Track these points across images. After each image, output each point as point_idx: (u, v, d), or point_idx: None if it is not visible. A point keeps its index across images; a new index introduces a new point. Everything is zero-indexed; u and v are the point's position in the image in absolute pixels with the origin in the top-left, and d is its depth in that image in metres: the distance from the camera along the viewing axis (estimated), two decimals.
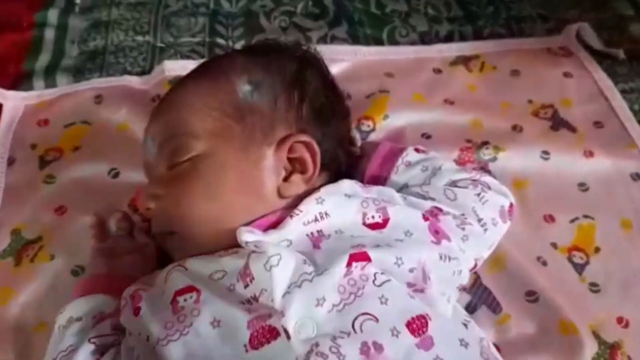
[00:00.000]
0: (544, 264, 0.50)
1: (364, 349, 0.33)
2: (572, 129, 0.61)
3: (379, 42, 0.69)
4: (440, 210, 0.42)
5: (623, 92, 0.64)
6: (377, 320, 0.34)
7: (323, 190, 0.41)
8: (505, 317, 0.46)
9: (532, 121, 0.61)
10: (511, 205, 0.48)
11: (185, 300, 0.36)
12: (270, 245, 0.36)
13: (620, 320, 0.48)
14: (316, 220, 0.39)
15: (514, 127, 0.60)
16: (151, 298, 0.38)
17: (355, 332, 0.34)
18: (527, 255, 0.50)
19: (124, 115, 0.58)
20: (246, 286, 0.35)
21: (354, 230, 0.39)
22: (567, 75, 0.66)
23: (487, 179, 0.48)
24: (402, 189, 0.45)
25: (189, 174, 0.40)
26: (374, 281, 0.36)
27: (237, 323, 0.34)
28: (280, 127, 0.42)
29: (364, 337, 0.33)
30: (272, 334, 0.34)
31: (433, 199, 0.43)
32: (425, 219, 0.40)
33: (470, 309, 0.46)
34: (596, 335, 0.46)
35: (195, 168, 0.40)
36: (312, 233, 0.39)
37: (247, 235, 0.37)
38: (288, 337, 0.33)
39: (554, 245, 0.52)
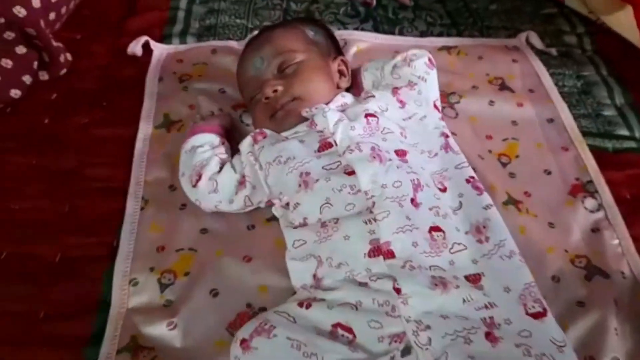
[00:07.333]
0: (482, 158, 0.80)
1: (371, 149, 0.64)
2: (512, 91, 0.92)
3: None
4: (398, 87, 0.74)
5: (552, 74, 0.94)
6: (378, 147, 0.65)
7: (345, 93, 0.75)
8: None
9: (486, 85, 0.92)
10: (429, 59, 0.76)
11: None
12: (325, 108, 0.69)
13: (526, 193, 0.75)
14: (342, 105, 0.72)
15: (474, 87, 0.91)
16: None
17: (367, 142, 0.65)
18: (472, 153, 0.78)
19: (231, 62, 0.92)
20: (314, 126, 0.69)
21: (359, 105, 0.71)
22: (514, 61, 0.97)
23: (411, 53, 0.76)
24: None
25: (301, 69, 0.71)
26: (382, 131, 0.68)
27: (314, 143, 0.66)
28: (332, 51, 0.78)
29: (371, 141, 0.65)
30: (329, 145, 0.66)
31: (392, 84, 0.75)
32: (393, 94, 0.73)
33: None
34: (508, 194, 0.75)
35: (304, 67, 0.71)
36: (340, 107, 0.72)
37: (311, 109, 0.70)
38: (336, 145, 0.65)
39: (490, 150, 0.82)
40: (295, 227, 0.63)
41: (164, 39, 1.00)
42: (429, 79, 0.75)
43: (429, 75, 0.75)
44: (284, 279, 0.63)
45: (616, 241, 0.72)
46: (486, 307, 0.54)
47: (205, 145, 0.74)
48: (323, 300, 0.57)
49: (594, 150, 0.83)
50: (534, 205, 0.75)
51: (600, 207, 0.76)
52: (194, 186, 0.70)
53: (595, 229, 0.74)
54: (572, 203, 0.76)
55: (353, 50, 0.97)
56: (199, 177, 0.70)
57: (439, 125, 0.75)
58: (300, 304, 0.56)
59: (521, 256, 0.60)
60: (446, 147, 0.72)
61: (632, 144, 0.86)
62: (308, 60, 0.73)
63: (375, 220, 0.58)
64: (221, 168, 0.71)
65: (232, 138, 0.78)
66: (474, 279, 0.57)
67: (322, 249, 0.59)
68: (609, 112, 0.90)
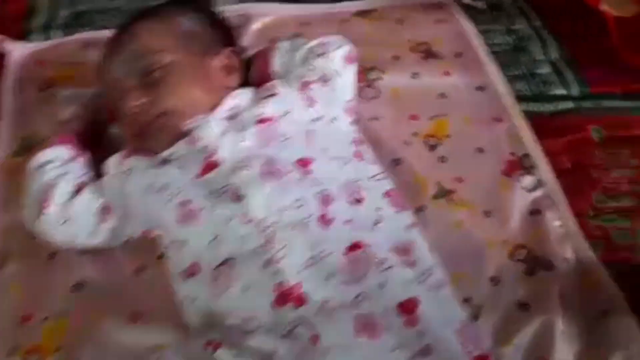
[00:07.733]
0: (407, 144, 0.71)
1: (264, 164, 0.54)
2: (440, 58, 0.82)
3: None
4: (309, 82, 0.62)
5: (483, 32, 0.86)
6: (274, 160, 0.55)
7: (236, 91, 0.62)
8: None
9: (408, 54, 0.82)
10: (349, 52, 0.66)
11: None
12: (205, 119, 0.57)
13: (458, 179, 0.68)
14: (231, 108, 0.59)
15: (394, 57, 0.81)
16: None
17: (261, 155, 0.54)
18: (396, 140, 0.70)
19: None
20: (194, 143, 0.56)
21: (254, 108, 0.59)
22: (439, 21, 0.87)
23: (329, 40, 0.66)
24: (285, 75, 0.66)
25: (169, 75, 0.58)
26: (280, 138, 0.56)
27: (195, 165, 0.55)
28: (215, 44, 0.64)
29: (266, 153, 0.54)
30: (214, 165, 0.54)
31: (302, 76, 0.63)
32: (300, 91, 0.62)
33: None
34: (439, 185, 0.67)
35: (173, 71, 0.58)
36: (228, 112, 0.59)
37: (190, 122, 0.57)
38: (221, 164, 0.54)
39: (415, 133, 0.73)
40: (185, 278, 0.52)
41: (25, 35, 0.83)
42: (346, 74, 0.65)
43: (346, 71, 0.65)
44: (187, 331, 0.53)
45: (558, 222, 0.66)
46: (422, 353, 0.46)
47: (55, 161, 0.61)
48: (235, 343, 0.47)
49: (530, 116, 0.76)
50: (468, 192, 0.68)
51: (539, 183, 0.69)
52: (40, 215, 0.57)
53: (535, 211, 0.67)
54: (507, 184, 0.69)
55: (256, 26, 0.84)
56: (46, 202, 0.57)
57: (350, 131, 0.65)
58: (208, 344, 0.47)
59: (451, 288, 0.52)
60: (358, 155, 0.62)
61: (569, 104, 0.79)
62: (179, 62, 0.60)
63: (274, 260, 0.48)
64: (78, 190, 0.60)
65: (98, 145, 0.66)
66: (407, 307, 0.49)
67: (219, 305, 0.50)
68: (544, 70, 0.83)
